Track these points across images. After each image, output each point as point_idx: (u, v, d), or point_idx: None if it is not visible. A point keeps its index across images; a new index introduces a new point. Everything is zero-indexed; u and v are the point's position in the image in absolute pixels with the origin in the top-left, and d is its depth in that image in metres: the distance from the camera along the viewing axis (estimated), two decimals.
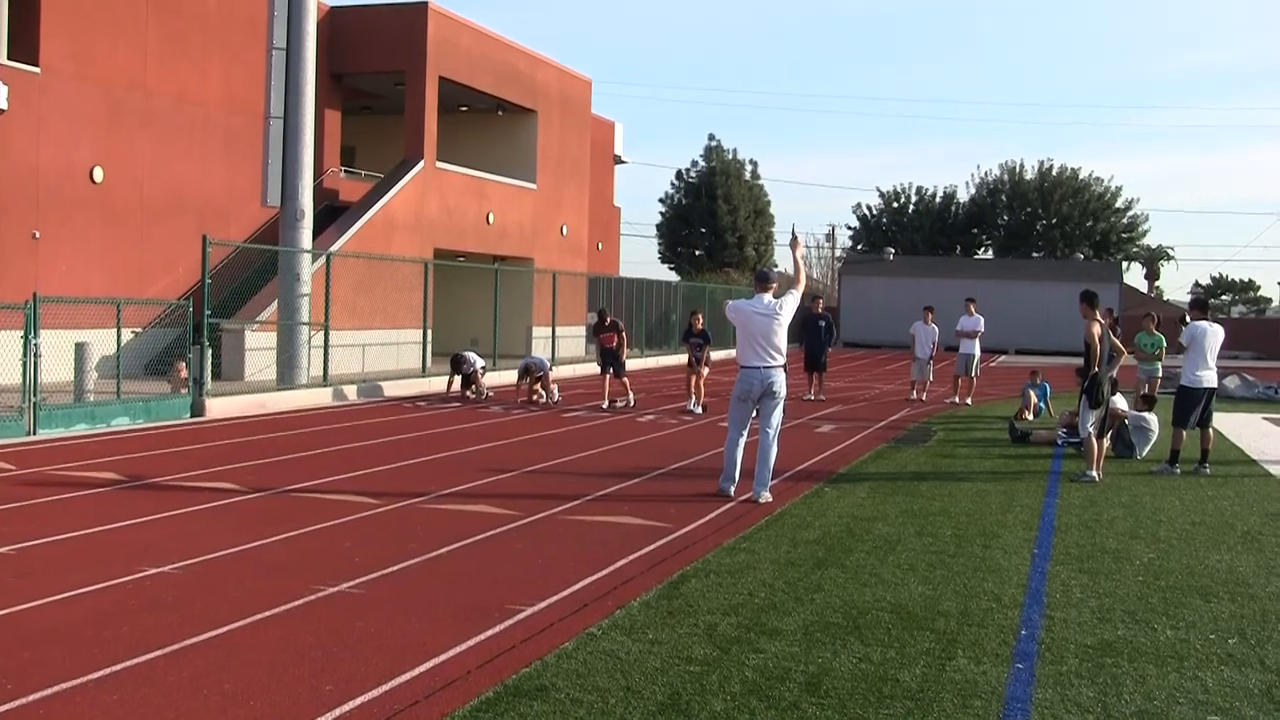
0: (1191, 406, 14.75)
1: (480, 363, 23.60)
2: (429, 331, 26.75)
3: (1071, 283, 46.62)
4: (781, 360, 11.91)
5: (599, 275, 42.82)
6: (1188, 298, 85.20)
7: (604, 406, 21.79)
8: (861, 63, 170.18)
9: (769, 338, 11.79)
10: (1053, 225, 73.41)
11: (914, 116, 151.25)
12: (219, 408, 19.25)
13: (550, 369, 23.14)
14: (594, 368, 25.44)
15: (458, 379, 23.40)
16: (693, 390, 21.72)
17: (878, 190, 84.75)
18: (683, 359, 23.93)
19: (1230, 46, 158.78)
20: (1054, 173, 74.36)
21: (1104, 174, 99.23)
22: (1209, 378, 14.81)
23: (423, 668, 6.30)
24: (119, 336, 18.49)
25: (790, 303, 11.97)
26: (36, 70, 23.92)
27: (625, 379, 22.44)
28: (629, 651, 6.63)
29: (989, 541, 9.98)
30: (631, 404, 22.06)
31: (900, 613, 7.59)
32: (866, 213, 78.21)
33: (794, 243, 12.88)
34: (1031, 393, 21.68)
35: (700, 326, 22.15)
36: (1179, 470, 14.57)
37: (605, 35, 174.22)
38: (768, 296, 11.97)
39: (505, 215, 37.50)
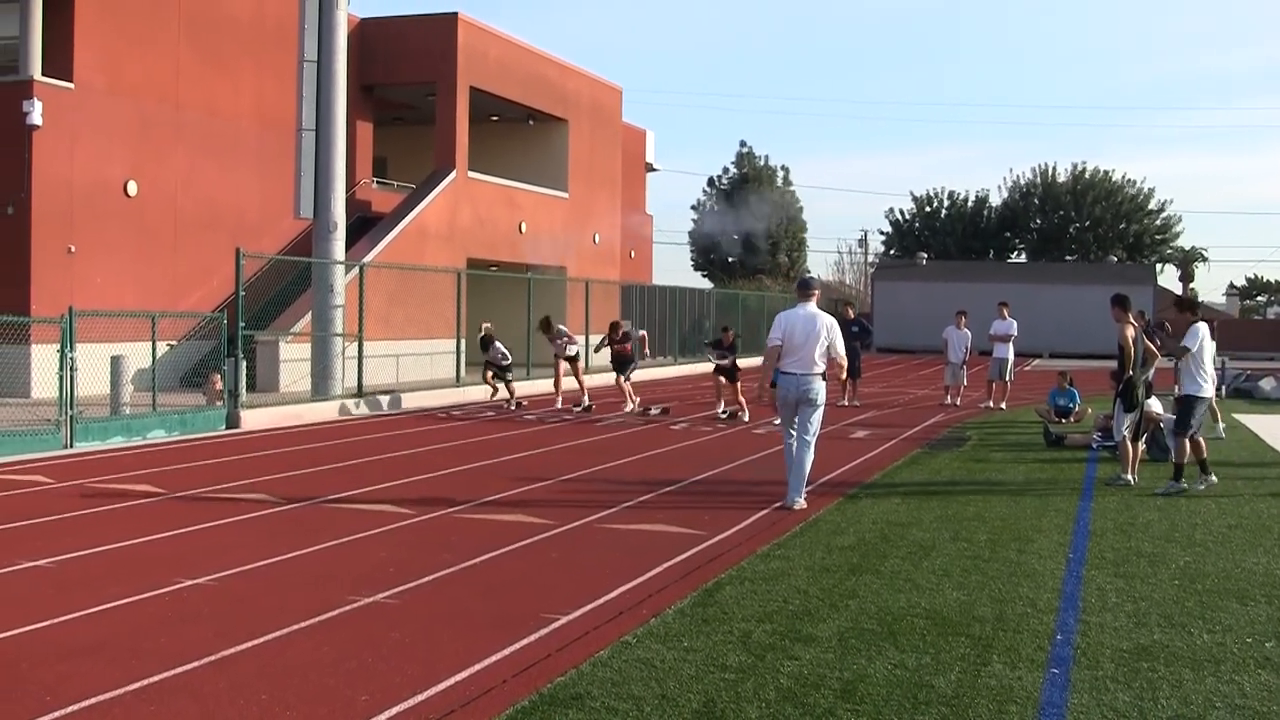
0: (1198, 413, 13.67)
1: (507, 355, 23.55)
2: (462, 341, 26.80)
3: (1105, 286, 46.14)
4: (820, 369, 11.78)
5: (632, 283, 42.80)
6: (1223, 299, 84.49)
7: (627, 410, 22.26)
8: (890, 66, 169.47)
9: (807, 346, 11.71)
10: (1086, 228, 72.98)
11: (945, 120, 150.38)
12: (254, 419, 19.35)
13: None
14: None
15: (490, 373, 23.51)
16: (721, 397, 21.82)
17: (910, 194, 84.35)
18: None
19: (1266, 44, 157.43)
20: (1087, 175, 73.92)
21: (1136, 176, 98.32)
22: (1211, 381, 13.91)
23: (458, 677, 6.32)
24: (154, 349, 18.64)
25: (834, 334, 11.87)
26: (70, 86, 24.14)
27: (629, 383, 22.88)
28: (664, 659, 6.63)
29: (1024, 546, 9.94)
30: (633, 409, 22.38)
31: (935, 618, 7.56)
32: (899, 217, 77.90)
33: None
34: (1059, 400, 21.20)
35: (730, 340, 22.13)
36: (1185, 485, 13.36)
37: (636, 43, 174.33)
38: (810, 305, 11.92)
39: (537, 224, 37.56)
